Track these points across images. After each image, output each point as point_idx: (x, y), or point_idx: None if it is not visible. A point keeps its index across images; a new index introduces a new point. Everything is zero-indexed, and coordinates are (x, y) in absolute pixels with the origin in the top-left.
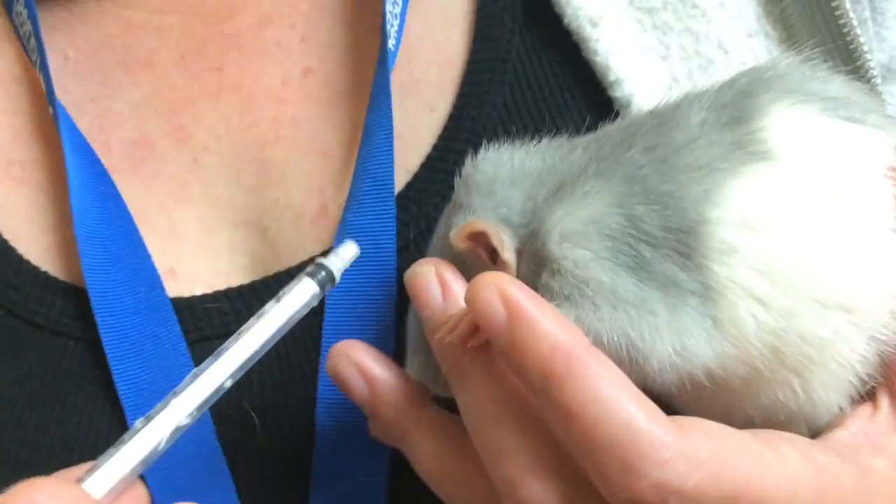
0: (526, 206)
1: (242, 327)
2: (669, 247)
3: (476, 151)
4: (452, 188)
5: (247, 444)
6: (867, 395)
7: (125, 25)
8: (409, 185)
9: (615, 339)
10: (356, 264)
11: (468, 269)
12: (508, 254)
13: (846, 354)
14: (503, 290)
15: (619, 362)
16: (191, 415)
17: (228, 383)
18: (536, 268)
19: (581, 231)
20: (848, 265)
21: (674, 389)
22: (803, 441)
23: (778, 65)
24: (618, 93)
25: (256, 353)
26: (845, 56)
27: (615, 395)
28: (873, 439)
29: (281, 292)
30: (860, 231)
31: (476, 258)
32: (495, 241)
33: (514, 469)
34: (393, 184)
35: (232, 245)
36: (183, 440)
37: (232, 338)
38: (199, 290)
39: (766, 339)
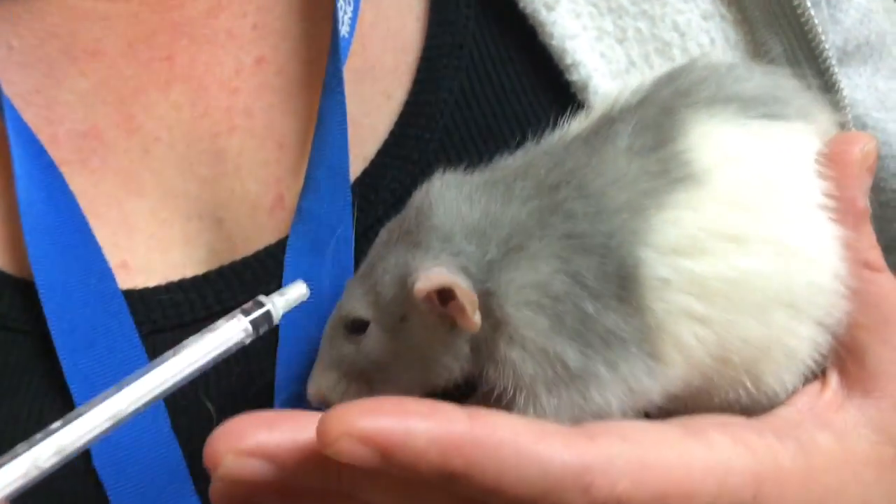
0: (481, 262)
1: (159, 358)
2: (610, 294)
3: (432, 138)
4: (409, 175)
5: (203, 434)
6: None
7: (71, 14)
8: (365, 173)
9: (576, 413)
10: (311, 254)
11: (402, 310)
12: (477, 318)
13: (793, 345)
14: (358, 432)
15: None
16: (85, 441)
17: (132, 409)
18: (490, 329)
19: (535, 299)
20: (782, 264)
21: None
22: (738, 424)
23: (695, 68)
24: (575, 76)
25: (169, 385)
26: (800, 39)
27: (518, 453)
28: (819, 415)
29: (210, 326)
30: (791, 228)
31: (429, 307)
32: (465, 303)
33: None
34: (348, 171)
35: (186, 237)
36: (138, 432)
37: (146, 367)
38: (154, 283)
39: (712, 352)
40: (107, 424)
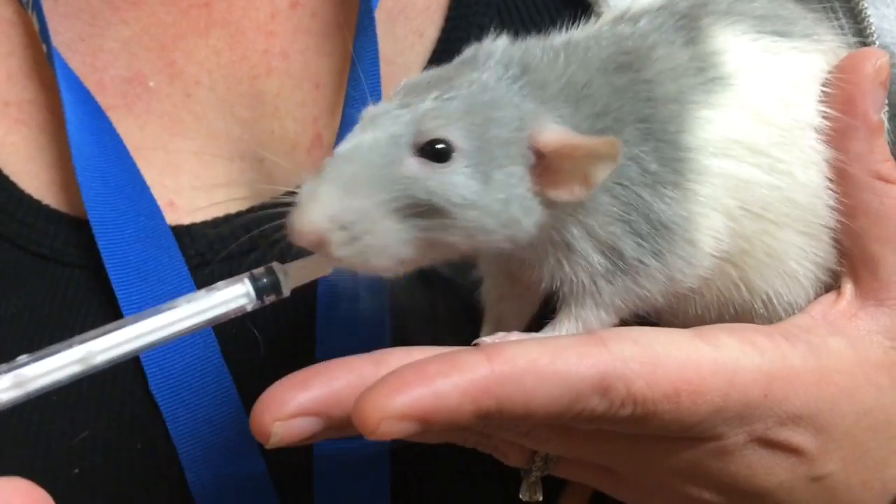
0: (576, 129)
1: (151, 310)
2: (664, 181)
3: None
4: None
5: (252, 360)
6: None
7: None
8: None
9: (625, 299)
10: None
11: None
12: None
13: (774, 245)
14: (393, 413)
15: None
16: (69, 375)
17: (104, 358)
18: (564, 209)
19: (609, 183)
20: (772, 179)
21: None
22: (748, 328)
23: None
24: (604, 9)
25: (153, 340)
26: None
27: (540, 377)
28: (832, 322)
29: (213, 286)
30: (783, 146)
31: (544, 164)
32: (594, 166)
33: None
34: None
35: (229, 177)
36: (190, 359)
37: (133, 317)
38: (199, 220)
39: (730, 243)
40: (75, 368)
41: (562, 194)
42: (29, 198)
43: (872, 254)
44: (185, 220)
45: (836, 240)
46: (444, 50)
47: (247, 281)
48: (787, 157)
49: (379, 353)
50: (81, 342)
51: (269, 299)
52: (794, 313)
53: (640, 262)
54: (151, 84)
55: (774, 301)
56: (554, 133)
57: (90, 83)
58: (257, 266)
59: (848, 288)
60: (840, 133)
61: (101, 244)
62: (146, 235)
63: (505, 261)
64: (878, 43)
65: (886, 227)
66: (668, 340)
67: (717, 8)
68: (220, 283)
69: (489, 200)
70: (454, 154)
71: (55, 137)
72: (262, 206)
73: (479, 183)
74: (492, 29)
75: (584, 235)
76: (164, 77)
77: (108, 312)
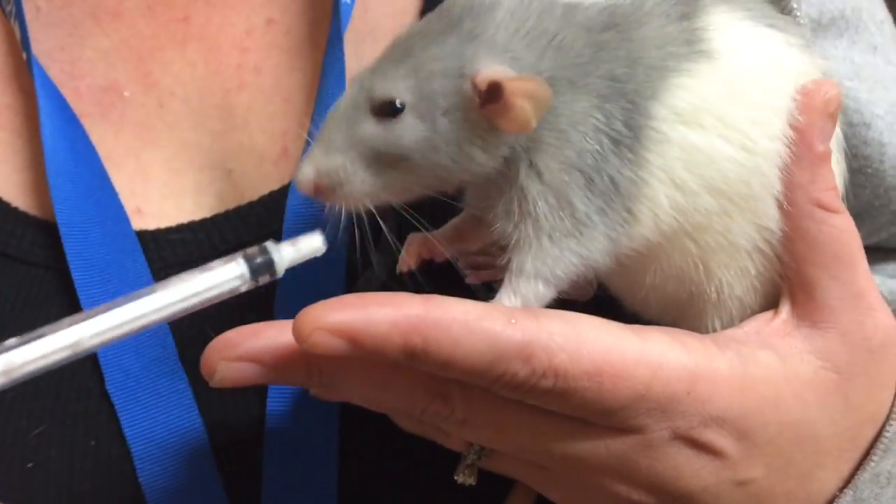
0: (537, 75)
1: (143, 289)
2: (626, 143)
3: None
4: None
5: None
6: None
7: None
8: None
9: (573, 269)
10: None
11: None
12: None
13: (731, 227)
14: (327, 325)
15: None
16: (40, 364)
17: (96, 342)
18: (521, 148)
19: (567, 128)
20: (741, 157)
21: (605, 270)
22: (680, 331)
23: None
24: None
25: (145, 319)
26: (776, 7)
27: (469, 328)
28: (764, 338)
29: (205, 266)
30: (758, 131)
31: (482, 102)
32: (536, 98)
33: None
34: None
35: (198, 186)
36: (144, 360)
37: (124, 297)
38: (165, 227)
39: (673, 215)
40: (66, 353)
41: (506, 125)
42: None
43: (810, 277)
44: (151, 227)
45: (758, 229)
46: None
47: (241, 260)
48: (757, 137)
49: (336, 298)
50: (71, 325)
51: (264, 280)
52: (743, 312)
53: (588, 217)
54: (127, 94)
55: (726, 291)
56: (488, 72)
57: (67, 91)
58: None
59: (785, 308)
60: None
61: (66, 246)
62: (112, 239)
63: (476, 202)
64: (799, 13)
65: (824, 253)
66: (599, 326)
67: None
68: (214, 263)
69: (439, 142)
70: (405, 109)
71: (29, 142)
72: (227, 215)
73: (428, 129)
74: None
75: (534, 178)
76: (139, 87)
77: (70, 313)
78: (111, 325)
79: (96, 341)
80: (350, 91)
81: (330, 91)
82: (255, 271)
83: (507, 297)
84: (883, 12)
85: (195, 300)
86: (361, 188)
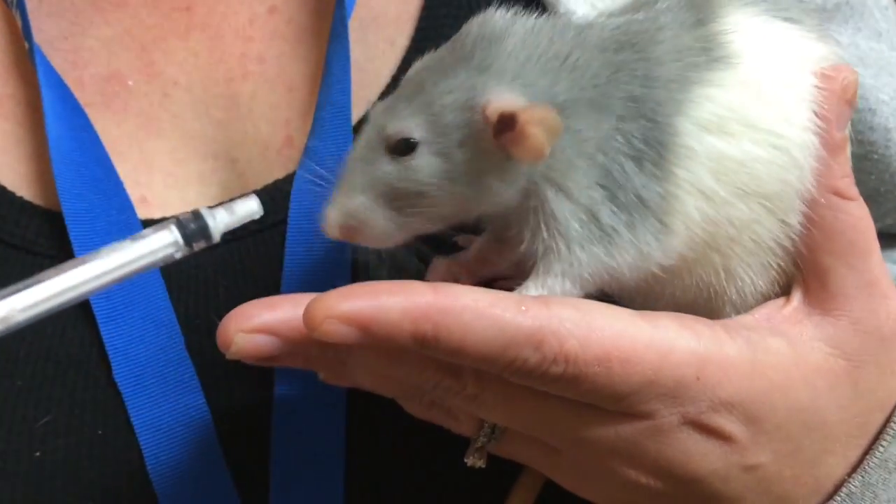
0: (552, 101)
1: (74, 260)
2: (650, 159)
3: None
4: None
5: (215, 350)
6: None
7: None
8: (368, 114)
9: (595, 270)
10: (316, 188)
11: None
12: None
13: (760, 233)
14: (338, 314)
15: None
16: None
17: (32, 313)
18: (542, 175)
19: (591, 151)
20: (773, 156)
21: (633, 284)
22: (690, 316)
23: None
24: None
25: (83, 291)
26: None
27: (479, 315)
28: (775, 324)
29: (138, 234)
30: (787, 127)
31: (494, 132)
32: (545, 128)
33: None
34: (350, 111)
35: (202, 176)
36: (152, 348)
37: (59, 267)
38: (169, 216)
39: (706, 227)
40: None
41: (523, 156)
42: (2, 189)
43: (824, 266)
44: (156, 215)
45: (784, 225)
46: (414, 58)
47: (174, 228)
48: (788, 132)
49: (347, 286)
50: (0, 298)
51: (199, 246)
52: (761, 301)
53: (615, 230)
54: (130, 83)
55: (747, 289)
56: (499, 102)
57: (70, 80)
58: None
59: (797, 295)
60: None
61: (72, 235)
62: (117, 229)
63: (498, 227)
64: None
65: (839, 242)
66: (609, 313)
67: None
68: (146, 231)
69: (456, 175)
70: (419, 145)
71: (33, 132)
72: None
73: (444, 162)
74: None
75: (563, 199)
76: (142, 76)
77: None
78: (42, 296)
79: (28, 314)
80: (365, 131)
81: (334, 79)
82: (188, 237)
83: (534, 289)
84: None
85: (130, 268)
86: (385, 226)
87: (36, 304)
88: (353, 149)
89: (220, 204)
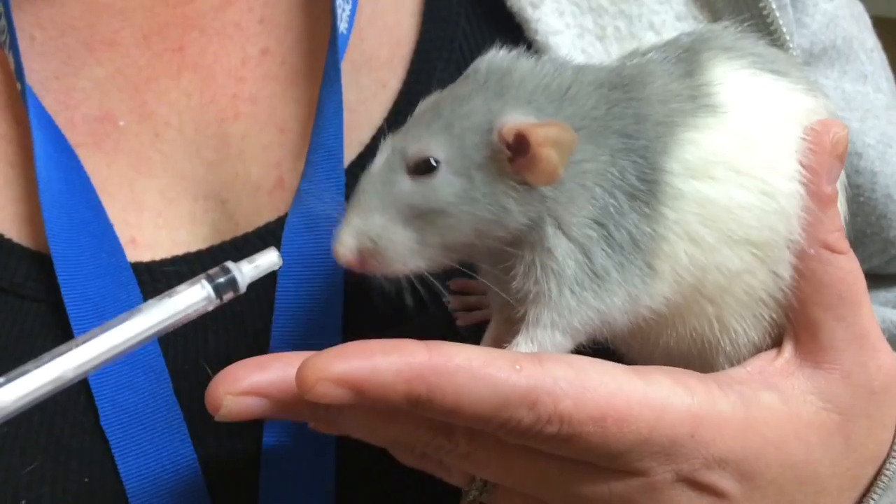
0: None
1: (116, 318)
2: (642, 197)
3: None
4: None
5: (203, 396)
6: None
7: (90, 7)
8: (360, 156)
9: (587, 316)
10: (307, 232)
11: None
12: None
13: (752, 284)
14: (331, 376)
15: (593, 327)
16: (27, 401)
17: (80, 371)
18: (547, 205)
19: (590, 184)
20: (762, 202)
21: (625, 331)
22: (684, 372)
23: (713, 28)
24: None
25: (123, 346)
26: (767, 40)
27: (473, 376)
28: (768, 377)
29: (171, 290)
30: (775, 175)
31: (511, 154)
32: (561, 148)
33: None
34: (342, 153)
35: (192, 216)
36: (140, 395)
37: (100, 328)
38: (160, 258)
39: (694, 273)
40: (50, 387)
41: (534, 178)
42: None
43: (814, 318)
44: (146, 257)
45: (776, 276)
46: (406, 101)
47: (205, 282)
48: (774, 180)
49: (339, 346)
50: (52, 359)
51: (228, 297)
52: (754, 353)
53: (606, 271)
54: (121, 123)
55: (741, 340)
56: (514, 122)
57: (61, 120)
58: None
59: (788, 347)
60: None
61: (61, 279)
62: (106, 272)
63: (493, 262)
64: (792, 45)
65: (829, 295)
66: (603, 370)
67: (719, 43)
68: (179, 287)
69: (476, 195)
70: (440, 165)
71: (23, 172)
72: (222, 246)
73: (465, 182)
74: (448, 82)
75: (561, 237)
76: (134, 117)
77: None
78: (90, 356)
79: (79, 373)
80: (381, 156)
81: (327, 122)
82: (218, 290)
83: (524, 345)
84: (872, 40)
85: (167, 324)
86: (404, 246)
87: (89, 361)
88: (367, 173)
89: (245, 259)
